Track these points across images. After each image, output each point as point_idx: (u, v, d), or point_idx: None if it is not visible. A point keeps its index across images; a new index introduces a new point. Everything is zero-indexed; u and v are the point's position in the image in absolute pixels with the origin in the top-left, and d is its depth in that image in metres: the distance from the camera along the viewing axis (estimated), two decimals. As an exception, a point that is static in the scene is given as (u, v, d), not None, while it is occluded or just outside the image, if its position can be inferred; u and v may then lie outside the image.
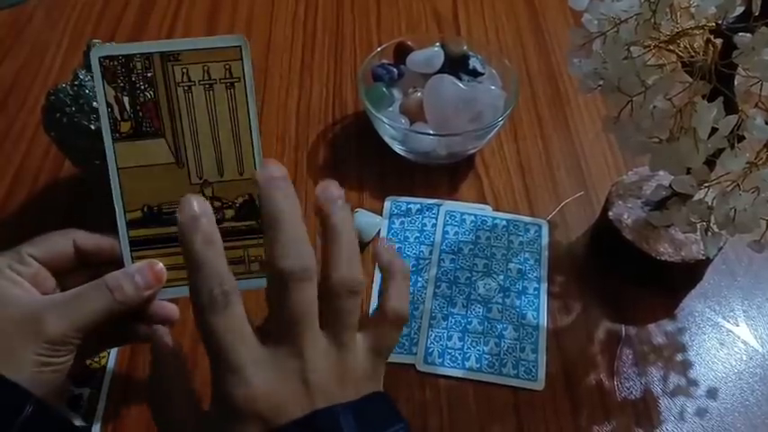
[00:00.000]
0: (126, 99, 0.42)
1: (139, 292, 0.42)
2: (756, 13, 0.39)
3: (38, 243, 0.44)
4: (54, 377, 0.40)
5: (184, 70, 0.42)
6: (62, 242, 0.45)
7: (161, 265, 0.43)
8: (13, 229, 0.64)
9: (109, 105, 0.42)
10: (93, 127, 0.53)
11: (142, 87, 0.42)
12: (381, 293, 0.37)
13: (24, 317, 0.40)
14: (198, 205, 0.36)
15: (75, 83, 0.54)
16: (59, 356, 0.40)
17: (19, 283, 0.41)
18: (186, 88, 0.42)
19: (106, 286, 0.41)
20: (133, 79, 0.42)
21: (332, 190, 0.37)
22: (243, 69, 0.42)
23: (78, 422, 0.50)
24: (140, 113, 0.42)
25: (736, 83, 0.43)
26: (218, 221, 0.44)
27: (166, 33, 0.83)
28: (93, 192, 0.64)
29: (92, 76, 0.54)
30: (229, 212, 0.44)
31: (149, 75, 0.42)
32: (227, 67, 0.42)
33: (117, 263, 0.43)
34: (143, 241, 0.44)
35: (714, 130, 0.42)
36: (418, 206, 0.65)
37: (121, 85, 0.42)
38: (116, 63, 0.42)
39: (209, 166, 0.44)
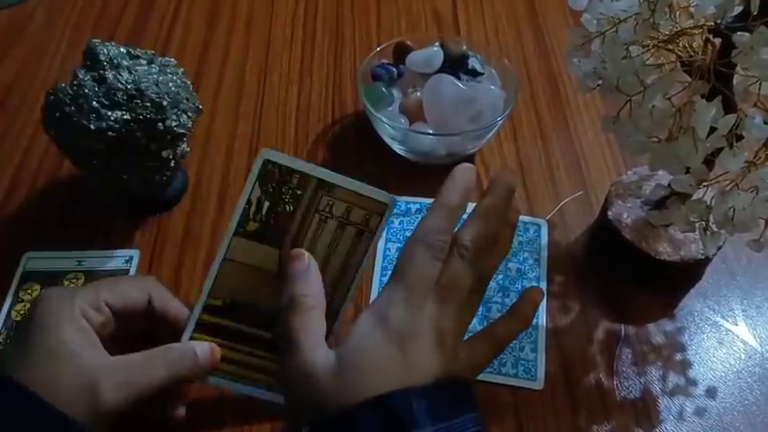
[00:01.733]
0: (266, 204, 0.43)
1: (197, 370, 0.43)
2: (755, 13, 0.39)
3: (116, 292, 0.43)
4: None
5: (331, 203, 0.43)
6: (139, 297, 0.44)
7: (219, 351, 0.45)
8: (13, 227, 0.64)
9: (249, 202, 0.43)
10: (92, 127, 0.52)
11: (286, 200, 0.43)
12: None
13: (82, 380, 0.39)
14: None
15: (75, 83, 0.54)
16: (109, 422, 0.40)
17: (86, 332, 0.41)
18: (323, 218, 0.44)
19: (170, 358, 0.42)
20: (283, 190, 0.43)
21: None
22: (379, 225, 0.44)
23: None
24: (272, 221, 0.44)
25: (734, 82, 0.43)
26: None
27: (166, 33, 0.83)
28: (92, 191, 0.64)
29: (91, 76, 0.54)
30: None
31: (299, 192, 0.43)
32: (367, 216, 0.44)
33: (174, 330, 0.44)
34: (208, 327, 0.45)
35: (713, 130, 0.42)
36: (418, 206, 0.65)
37: (270, 190, 0.43)
38: (276, 170, 0.43)
39: None
